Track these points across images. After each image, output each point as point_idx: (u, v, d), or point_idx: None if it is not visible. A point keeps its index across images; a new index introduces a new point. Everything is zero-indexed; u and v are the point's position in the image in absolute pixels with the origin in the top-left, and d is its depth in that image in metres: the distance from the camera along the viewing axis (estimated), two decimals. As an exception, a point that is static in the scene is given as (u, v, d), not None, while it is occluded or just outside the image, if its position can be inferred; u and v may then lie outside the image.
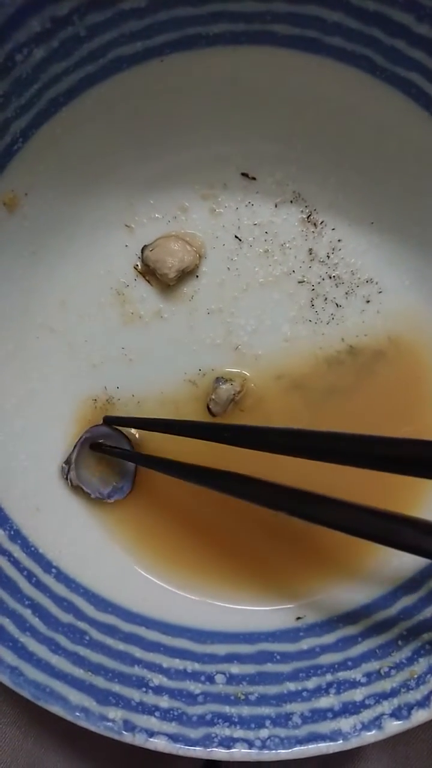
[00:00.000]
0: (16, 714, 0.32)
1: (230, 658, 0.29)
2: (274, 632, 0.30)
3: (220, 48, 0.28)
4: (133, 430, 0.33)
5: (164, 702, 0.27)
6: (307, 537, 0.32)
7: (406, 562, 0.31)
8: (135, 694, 0.27)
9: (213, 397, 0.32)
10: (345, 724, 0.26)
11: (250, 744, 0.26)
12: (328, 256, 0.32)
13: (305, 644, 0.29)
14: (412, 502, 0.33)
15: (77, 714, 0.26)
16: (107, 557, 0.31)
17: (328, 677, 0.28)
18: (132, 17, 0.26)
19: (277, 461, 0.32)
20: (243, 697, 0.27)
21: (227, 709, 0.27)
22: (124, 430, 0.32)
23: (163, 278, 0.32)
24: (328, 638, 0.29)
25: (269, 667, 0.29)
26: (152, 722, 0.26)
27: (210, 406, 0.32)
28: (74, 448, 0.31)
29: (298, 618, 0.31)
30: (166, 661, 0.28)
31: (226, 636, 0.30)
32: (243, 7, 0.26)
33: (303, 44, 0.28)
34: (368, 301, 0.33)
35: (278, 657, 0.29)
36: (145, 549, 0.32)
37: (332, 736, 0.26)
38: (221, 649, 0.29)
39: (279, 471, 0.32)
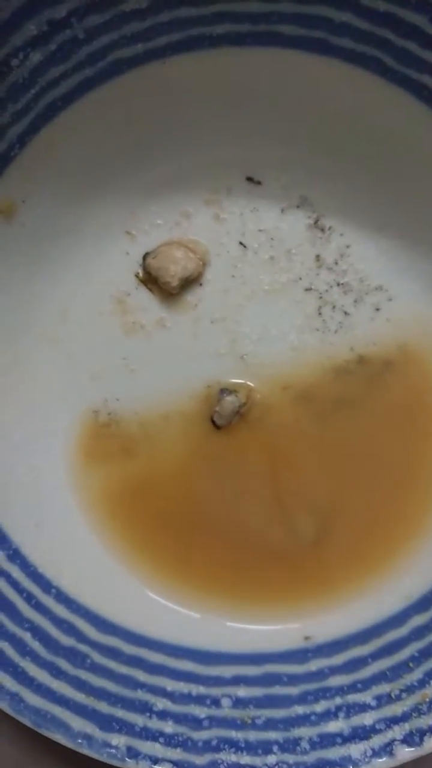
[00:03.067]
0: (17, 734, 0.31)
1: (237, 681, 0.28)
2: (282, 653, 0.29)
3: (224, 49, 0.27)
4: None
5: (169, 727, 0.26)
6: (314, 553, 0.32)
7: (418, 581, 0.30)
8: (138, 720, 0.26)
9: (217, 409, 0.31)
10: (355, 750, 0.26)
11: (258, 771, 0.25)
12: (336, 263, 0.31)
13: (313, 665, 0.29)
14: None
15: (79, 741, 0.25)
16: (109, 575, 0.30)
17: (338, 700, 0.27)
18: (133, 19, 0.25)
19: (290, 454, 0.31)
20: (249, 721, 0.27)
21: (233, 734, 0.26)
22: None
23: (166, 286, 0.31)
24: (337, 659, 0.29)
25: (277, 690, 0.28)
26: (156, 748, 0.25)
27: (214, 419, 0.32)
28: None
29: (306, 638, 0.30)
30: (170, 684, 0.27)
31: (233, 657, 0.29)
32: (248, 8, 0.25)
33: (310, 45, 0.27)
34: (378, 309, 0.32)
35: (286, 679, 0.28)
36: (148, 566, 0.31)
37: (342, 763, 0.25)
38: (227, 671, 0.28)
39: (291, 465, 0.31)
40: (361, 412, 0.32)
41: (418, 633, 0.28)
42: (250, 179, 0.31)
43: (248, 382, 0.32)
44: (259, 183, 0.31)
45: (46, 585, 0.29)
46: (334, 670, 0.28)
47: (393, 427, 0.32)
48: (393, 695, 0.27)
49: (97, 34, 0.25)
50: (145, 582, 0.31)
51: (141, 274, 0.32)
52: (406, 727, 0.26)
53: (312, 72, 0.28)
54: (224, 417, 0.31)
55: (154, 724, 0.26)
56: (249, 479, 0.32)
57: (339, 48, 0.27)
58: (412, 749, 0.25)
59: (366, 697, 0.27)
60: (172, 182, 0.31)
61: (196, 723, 0.26)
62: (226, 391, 0.32)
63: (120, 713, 0.26)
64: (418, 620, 0.29)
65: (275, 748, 0.26)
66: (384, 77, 0.27)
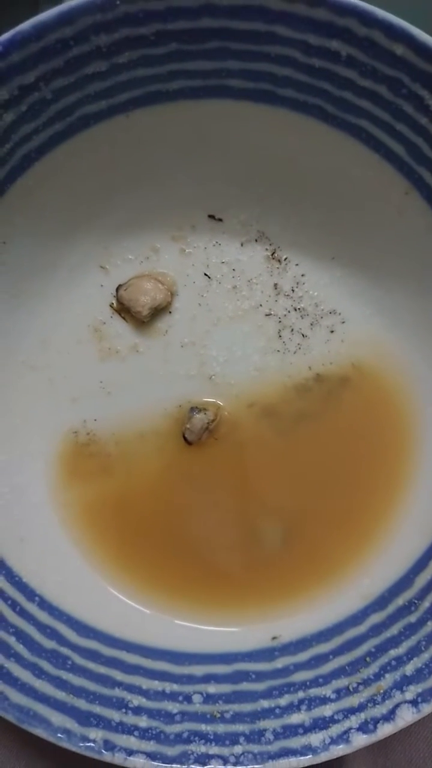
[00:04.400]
0: (8, 737, 0.33)
1: (207, 679, 0.30)
2: (251, 652, 0.31)
3: (180, 102, 0.30)
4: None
5: (143, 722, 0.28)
6: (281, 559, 0.34)
7: (376, 581, 0.32)
8: (115, 715, 0.28)
9: (188, 426, 0.34)
10: (315, 739, 0.28)
11: (225, 760, 0.27)
12: (293, 290, 0.34)
13: (280, 663, 0.31)
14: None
15: (59, 735, 0.27)
16: (90, 584, 0.33)
17: (300, 694, 0.29)
18: (95, 80, 0.28)
19: (256, 466, 0.34)
20: (218, 715, 0.29)
21: (203, 727, 0.28)
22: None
23: (137, 315, 0.34)
24: (302, 656, 0.31)
25: (244, 686, 0.30)
26: (131, 741, 0.28)
27: (185, 435, 0.34)
28: None
29: (274, 638, 0.32)
30: (145, 683, 0.30)
31: (205, 657, 0.31)
32: (198, 66, 0.28)
33: (258, 96, 0.30)
34: (332, 331, 0.34)
35: (253, 676, 0.30)
36: (126, 575, 0.33)
37: (302, 751, 0.27)
38: (199, 670, 0.31)
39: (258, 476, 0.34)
40: (321, 426, 0.34)
41: (375, 630, 0.31)
42: (212, 217, 0.34)
43: (217, 401, 0.35)
44: (220, 220, 0.34)
45: (30, 593, 0.31)
46: (299, 667, 0.30)
47: (350, 438, 0.34)
48: (351, 688, 0.29)
49: (63, 94, 0.28)
50: (123, 590, 0.33)
51: (115, 305, 0.34)
52: (362, 716, 0.28)
53: (262, 120, 0.31)
54: (194, 433, 0.34)
55: (130, 719, 0.28)
56: (219, 490, 0.34)
57: (284, 98, 0.30)
58: (367, 736, 0.27)
59: (326, 690, 0.29)
60: (141, 221, 0.34)
61: (168, 718, 0.29)
62: (195, 409, 0.34)
63: (98, 709, 0.28)
64: (375, 618, 0.31)
65: (242, 739, 0.28)
66: (326, 122, 0.30)
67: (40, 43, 0.25)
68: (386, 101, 0.28)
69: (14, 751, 0.33)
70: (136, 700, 0.29)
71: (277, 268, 0.34)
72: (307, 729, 0.28)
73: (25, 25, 0.25)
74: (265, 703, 0.29)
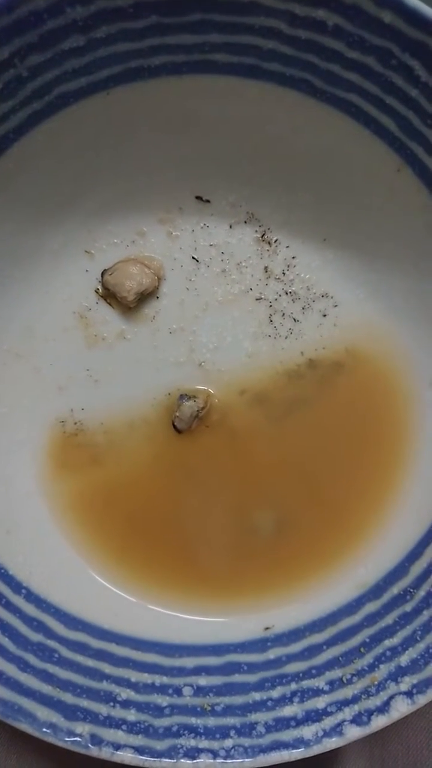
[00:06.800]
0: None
1: (198, 671, 0.30)
2: (243, 643, 0.31)
3: (163, 78, 0.29)
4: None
5: (131, 715, 0.28)
6: (274, 548, 0.33)
7: (372, 570, 0.32)
8: (103, 709, 0.28)
9: (177, 414, 0.33)
10: (307, 731, 0.27)
11: (215, 754, 0.27)
12: (284, 273, 0.33)
13: (272, 654, 0.30)
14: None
15: (44, 730, 0.26)
16: (77, 576, 0.32)
17: (293, 686, 0.29)
18: (72, 55, 0.27)
19: (248, 454, 0.33)
20: (209, 708, 0.28)
21: (193, 721, 0.28)
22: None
23: (123, 301, 0.33)
24: (295, 647, 0.30)
25: (236, 678, 0.29)
26: (119, 735, 0.27)
27: (175, 423, 0.33)
28: None
29: (267, 628, 0.31)
30: (134, 676, 0.29)
31: (196, 648, 0.31)
32: (180, 40, 0.27)
33: (243, 71, 0.29)
34: (325, 315, 0.33)
35: (245, 667, 0.30)
36: (114, 565, 0.33)
37: (294, 744, 0.27)
38: (190, 661, 0.30)
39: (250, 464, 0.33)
40: (314, 413, 0.33)
41: (370, 620, 0.30)
42: (199, 198, 0.33)
43: (208, 388, 0.34)
44: (208, 201, 0.33)
45: (16, 586, 0.30)
46: (291, 658, 0.30)
47: (345, 425, 0.33)
48: (344, 679, 0.28)
49: (40, 71, 0.27)
50: (113, 581, 0.33)
51: (100, 290, 0.34)
52: (356, 708, 0.27)
53: (248, 95, 0.30)
54: (184, 421, 0.33)
55: (118, 712, 0.28)
56: (211, 479, 0.34)
57: (270, 72, 0.29)
58: (360, 728, 0.27)
59: (319, 682, 0.29)
60: (126, 203, 0.33)
61: (158, 711, 0.28)
62: (185, 396, 0.33)
63: (85, 703, 0.28)
64: (370, 607, 0.30)
65: (232, 732, 0.27)
66: (315, 97, 0.29)
67: (12, 15, 0.24)
68: (375, 73, 0.27)
69: (5, 745, 0.33)
70: (125, 693, 0.28)
71: (267, 250, 0.33)
72: (300, 721, 0.27)
73: (-5, -3, 0.24)
74: (256, 696, 0.28)
